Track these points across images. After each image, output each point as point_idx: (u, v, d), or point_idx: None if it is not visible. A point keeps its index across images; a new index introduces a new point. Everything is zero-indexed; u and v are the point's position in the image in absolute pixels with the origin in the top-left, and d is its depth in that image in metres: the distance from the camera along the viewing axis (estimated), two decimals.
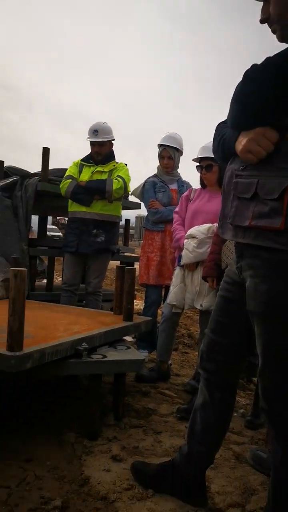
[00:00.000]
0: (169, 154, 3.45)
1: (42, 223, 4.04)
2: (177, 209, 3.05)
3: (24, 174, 3.80)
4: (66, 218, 3.79)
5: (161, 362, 3.01)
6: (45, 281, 4.98)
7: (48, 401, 2.38)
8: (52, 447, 1.89)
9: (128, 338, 3.10)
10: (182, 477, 1.59)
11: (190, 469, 1.58)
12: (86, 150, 3.45)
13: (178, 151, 3.50)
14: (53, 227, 22.47)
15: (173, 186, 3.56)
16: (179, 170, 3.62)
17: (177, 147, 3.46)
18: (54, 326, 2.29)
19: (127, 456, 1.87)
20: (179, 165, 3.59)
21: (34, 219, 3.90)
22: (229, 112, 1.27)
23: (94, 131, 3.31)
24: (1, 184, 3.72)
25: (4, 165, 3.93)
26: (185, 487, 1.58)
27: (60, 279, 6.44)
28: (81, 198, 3.28)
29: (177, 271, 2.89)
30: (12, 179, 3.74)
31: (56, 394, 2.51)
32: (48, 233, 19.39)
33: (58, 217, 25.13)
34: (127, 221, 4.84)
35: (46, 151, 3.56)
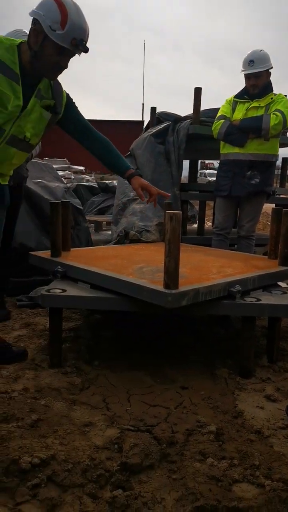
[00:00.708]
0: None
1: (193, 167, 4.05)
2: None
3: (176, 119, 3.81)
4: (214, 162, 3.72)
5: None
6: (194, 225, 5.07)
7: (201, 338, 2.50)
8: (205, 379, 2.01)
9: (283, 284, 2.98)
10: None
11: None
12: (239, 86, 3.24)
13: None
14: (213, 171, 22.01)
15: None
16: None
17: None
18: (207, 268, 2.34)
19: (282, 397, 1.86)
20: None
21: (185, 163, 3.93)
22: None
23: (250, 62, 3.06)
24: (154, 130, 3.82)
25: (156, 111, 4.00)
26: None
27: (210, 223, 6.48)
28: (235, 139, 3.14)
29: None
30: (164, 125, 3.79)
31: (208, 332, 2.61)
32: (209, 178, 19.19)
33: (206, 161, 24.69)
34: (284, 160, 4.49)
35: (197, 92, 3.48)
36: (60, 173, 8.22)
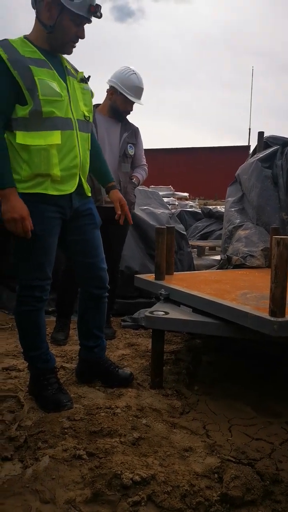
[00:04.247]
0: None
1: None
2: None
3: (284, 142, 3.71)
4: None
5: None
6: None
7: None
8: None
9: None
10: None
11: None
12: None
13: None
14: None
15: None
16: None
17: None
18: None
19: None
20: None
21: None
22: None
23: None
24: (261, 155, 3.76)
25: (264, 136, 3.95)
26: None
27: None
28: None
29: None
30: (272, 149, 3.72)
31: None
32: None
33: None
34: None
35: None
36: (165, 199, 8.50)
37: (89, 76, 1.96)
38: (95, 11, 1.75)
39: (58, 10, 1.71)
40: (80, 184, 1.90)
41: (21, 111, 1.69)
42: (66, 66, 1.86)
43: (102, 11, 1.80)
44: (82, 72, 1.93)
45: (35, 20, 1.78)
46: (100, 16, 1.79)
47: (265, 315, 1.77)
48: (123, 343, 2.82)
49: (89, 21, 1.80)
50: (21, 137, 1.70)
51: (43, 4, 1.72)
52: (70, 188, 1.84)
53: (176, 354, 2.57)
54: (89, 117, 1.91)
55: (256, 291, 2.26)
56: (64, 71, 1.83)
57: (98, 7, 1.76)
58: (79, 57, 1.90)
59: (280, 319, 1.72)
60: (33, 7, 1.78)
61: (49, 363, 1.98)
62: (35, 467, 1.45)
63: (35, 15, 1.79)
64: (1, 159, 1.69)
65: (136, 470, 1.40)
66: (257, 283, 2.56)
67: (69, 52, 1.86)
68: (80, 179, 1.89)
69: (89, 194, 2.01)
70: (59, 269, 2.73)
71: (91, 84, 1.99)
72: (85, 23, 1.80)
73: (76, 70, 1.94)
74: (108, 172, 2.22)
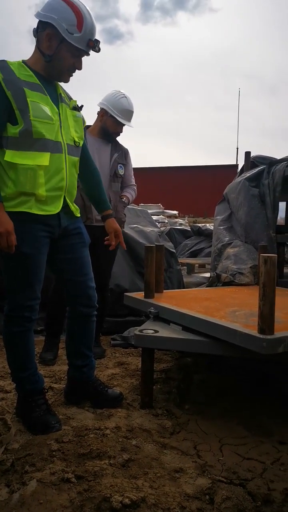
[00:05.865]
0: None
1: None
2: None
3: (271, 161, 3.79)
4: None
5: None
6: None
7: None
8: None
9: None
10: None
11: None
12: None
13: None
14: None
15: None
16: None
17: None
18: None
19: None
20: None
21: (281, 205, 3.84)
22: None
23: None
24: (248, 174, 3.83)
25: (251, 155, 4.02)
26: None
27: None
28: None
29: None
30: (258, 169, 3.79)
31: None
32: None
33: None
34: None
35: None
36: (155, 217, 8.55)
37: (81, 106, 2.02)
38: (94, 45, 1.82)
39: (57, 42, 1.76)
40: (66, 205, 1.90)
41: (12, 130, 1.72)
42: (60, 94, 1.91)
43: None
44: (75, 101, 1.99)
45: (35, 47, 1.83)
46: (98, 51, 1.85)
47: (254, 332, 1.78)
48: (113, 362, 2.79)
49: (88, 54, 1.86)
50: (10, 156, 1.72)
51: (43, 34, 1.77)
52: (54, 209, 1.85)
53: (166, 372, 2.55)
54: (79, 142, 1.95)
55: (245, 309, 2.27)
56: (57, 98, 1.88)
57: (97, 42, 1.82)
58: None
59: (268, 337, 1.73)
60: (34, 36, 1.83)
61: (37, 384, 1.95)
62: (22, 491, 1.41)
63: (35, 43, 1.83)
64: None
65: (126, 493, 1.37)
66: (246, 300, 2.57)
67: (66, 81, 1.91)
68: (65, 200, 1.90)
69: (78, 215, 2.02)
70: (48, 288, 2.71)
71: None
72: (83, 56, 1.86)
73: (70, 98, 1.99)
74: (106, 201, 2.22)
